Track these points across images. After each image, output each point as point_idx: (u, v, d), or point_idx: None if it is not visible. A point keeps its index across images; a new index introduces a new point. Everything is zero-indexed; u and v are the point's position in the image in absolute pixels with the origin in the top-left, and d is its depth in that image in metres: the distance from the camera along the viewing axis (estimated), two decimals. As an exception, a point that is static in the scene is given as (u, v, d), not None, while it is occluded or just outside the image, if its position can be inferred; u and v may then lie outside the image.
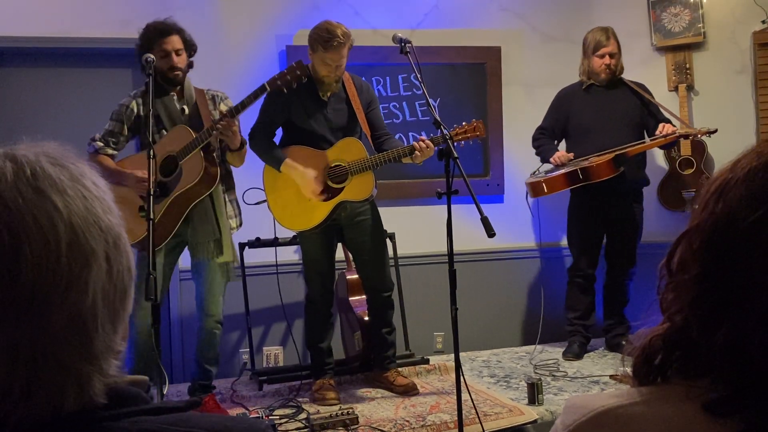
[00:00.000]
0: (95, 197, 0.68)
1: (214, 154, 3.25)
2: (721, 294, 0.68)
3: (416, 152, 3.21)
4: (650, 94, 4.08)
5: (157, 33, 3.20)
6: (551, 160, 3.99)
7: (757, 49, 4.45)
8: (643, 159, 4.11)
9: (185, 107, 3.31)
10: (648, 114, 4.04)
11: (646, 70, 4.59)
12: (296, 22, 4.21)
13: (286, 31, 4.22)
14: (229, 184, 3.40)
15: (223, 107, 3.36)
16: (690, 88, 4.54)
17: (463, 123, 3.25)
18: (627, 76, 4.21)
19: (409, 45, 3.06)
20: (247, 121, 3.52)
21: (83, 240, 0.64)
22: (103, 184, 0.71)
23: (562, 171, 3.90)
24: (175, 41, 3.23)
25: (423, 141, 3.21)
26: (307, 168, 3.31)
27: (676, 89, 4.53)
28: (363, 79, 3.62)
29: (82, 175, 0.68)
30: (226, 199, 3.35)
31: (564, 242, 4.39)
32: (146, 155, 3.13)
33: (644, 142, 3.89)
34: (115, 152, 3.28)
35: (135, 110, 3.27)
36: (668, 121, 3.97)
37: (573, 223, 4.15)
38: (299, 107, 3.35)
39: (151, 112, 2.92)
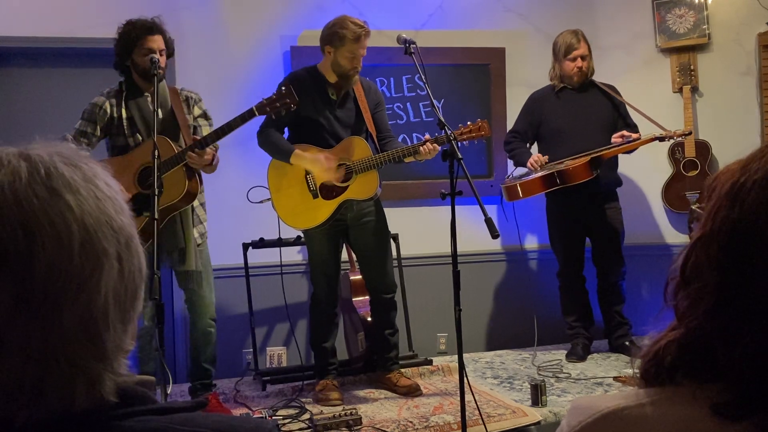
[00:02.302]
0: (108, 197, 0.68)
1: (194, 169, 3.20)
2: (741, 303, 0.67)
3: (421, 150, 3.22)
4: (620, 95, 4.08)
5: (145, 29, 3.14)
6: (528, 164, 3.99)
7: (761, 51, 4.44)
8: (615, 161, 4.11)
9: (159, 110, 3.25)
10: (618, 116, 4.05)
11: (650, 71, 4.59)
12: (300, 23, 4.21)
13: (290, 31, 4.22)
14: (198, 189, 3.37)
15: (197, 111, 3.32)
16: (694, 89, 4.54)
17: (468, 123, 3.25)
18: (632, 77, 4.22)
19: (414, 46, 3.07)
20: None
21: (96, 240, 0.65)
22: (115, 184, 0.71)
23: (539, 174, 3.90)
24: (159, 41, 3.17)
25: (429, 142, 3.21)
26: (316, 154, 3.31)
27: (680, 91, 4.53)
28: (368, 79, 3.63)
29: (95, 175, 0.69)
30: (194, 205, 3.29)
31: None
32: (121, 162, 3.13)
33: (620, 145, 3.89)
34: (86, 153, 3.22)
35: (108, 111, 3.21)
36: (633, 125, 4.01)
37: (552, 228, 4.15)
38: (308, 105, 3.36)
39: (156, 114, 2.91)
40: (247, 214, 3.73)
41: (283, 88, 3.10)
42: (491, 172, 4.58)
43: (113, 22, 3.87)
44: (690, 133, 3.85)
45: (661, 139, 3.93)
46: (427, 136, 3.28)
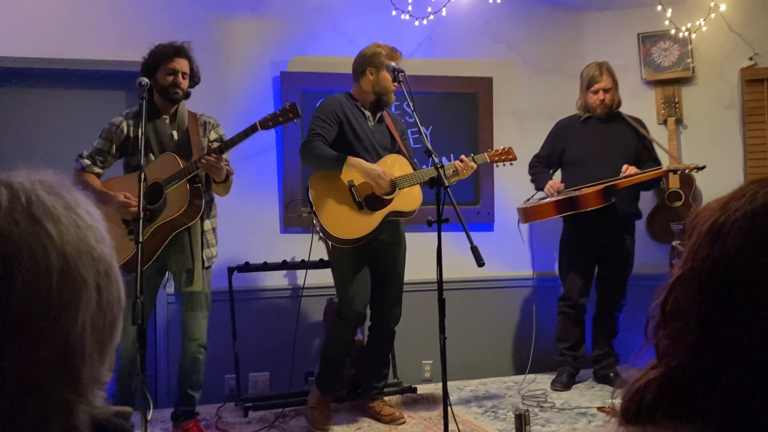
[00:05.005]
0: (89, 226, 0.68)
1: (200, 186, 3.23)
2: (722, 342, 0.66)
3: (457, 167, 3.35)
4: (646, 129, 4.13)
5: (172, 50, 3.21)
6: (545, 189, 4.03)
7: (744, 85, 4.52)
8: (637, 193, 4.13)
9: (175, 132, 3.30)
10: (643, 148, 4.08)
11: (635, 103, 4.64)
12: (291, 49, 4.24)
13: (280, 57, 4.24)
14: (211, 213, 3.38)
15: (213, 135, 3.35)
16: (679, 121, 4.60)
17: (497, 148, 3.56)
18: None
19: (402, 74, 3.10)
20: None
21: (75, 269, 0.64)
22: (96, 213, 0.71)
23: (553, 199, 3.95)
24: (184, 64, 3.25)
25: (463, 161, 3.35)
26: (371, 164, 3.35)
27: (665, 123, 4.59)
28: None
29: (77, 203, 0.68)
30: (206, 228, 3.31)
31: (554, 272, 4.39)
32: (134, 178, 3.13)
33: (633, 176, 3.91)
34: (101, 171, 3.27)
35: (125, 131, 3.25)
36: (657, 160, 4.05)
37: (565, 252, 4.16)
38: (348, 125, 3.40)
39: (141, 136, 2.91)
40: (232, 238, 3.71)
41: (288, 104, 3.15)
42: (478, 199, 4.60)
43: (108, 44, 3.90)
44: (703, 167, 3.87)
45: (675, 171, 3.96)
46: (462, 156, 3.40)
